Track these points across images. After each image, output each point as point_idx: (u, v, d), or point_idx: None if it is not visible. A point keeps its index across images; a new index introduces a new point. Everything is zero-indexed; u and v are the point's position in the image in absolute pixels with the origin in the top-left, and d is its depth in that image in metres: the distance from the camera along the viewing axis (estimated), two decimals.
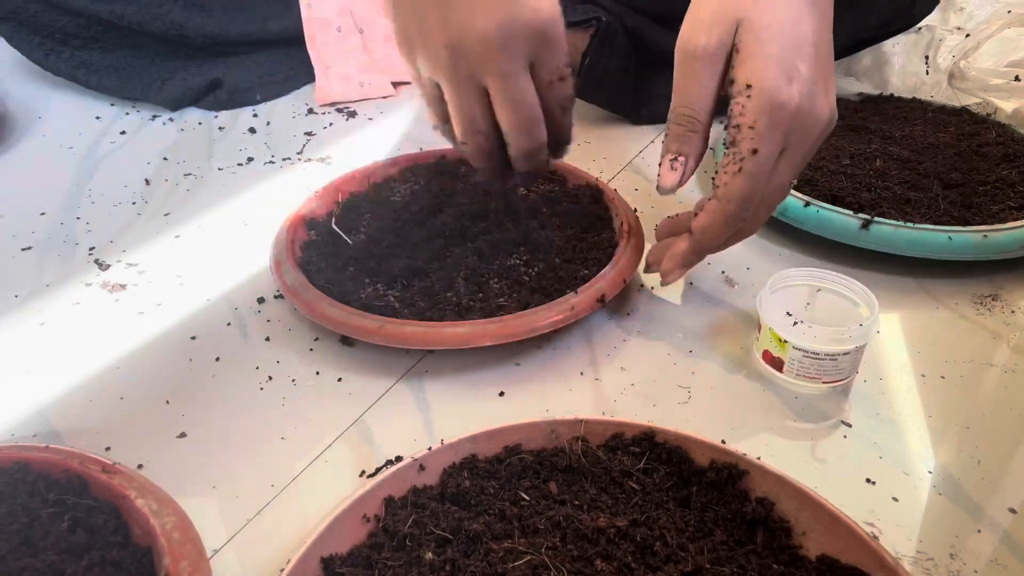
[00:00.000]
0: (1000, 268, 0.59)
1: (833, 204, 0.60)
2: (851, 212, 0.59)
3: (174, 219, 0.66)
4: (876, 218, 0.58)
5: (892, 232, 0.57)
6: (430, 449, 0.40)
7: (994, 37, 0.86)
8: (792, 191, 0.61)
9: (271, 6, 0.89)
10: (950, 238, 0.57)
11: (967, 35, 0.87)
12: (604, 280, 0.52)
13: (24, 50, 0.85)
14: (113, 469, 0.39)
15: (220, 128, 0.82)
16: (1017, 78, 0.82)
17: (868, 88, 0.89)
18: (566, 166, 0.66)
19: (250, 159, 0.76)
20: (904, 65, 0.89)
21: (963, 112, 0.76)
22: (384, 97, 0.89)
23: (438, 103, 0.50)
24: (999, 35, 0.86)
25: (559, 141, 0.53)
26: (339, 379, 0.50)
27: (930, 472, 0.43)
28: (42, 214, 0.67)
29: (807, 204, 0.60)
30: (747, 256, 0.61)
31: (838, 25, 0.79)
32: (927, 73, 0.85)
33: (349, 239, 0.57)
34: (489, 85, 0.47)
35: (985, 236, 0.57)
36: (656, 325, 0.54)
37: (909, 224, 0.57)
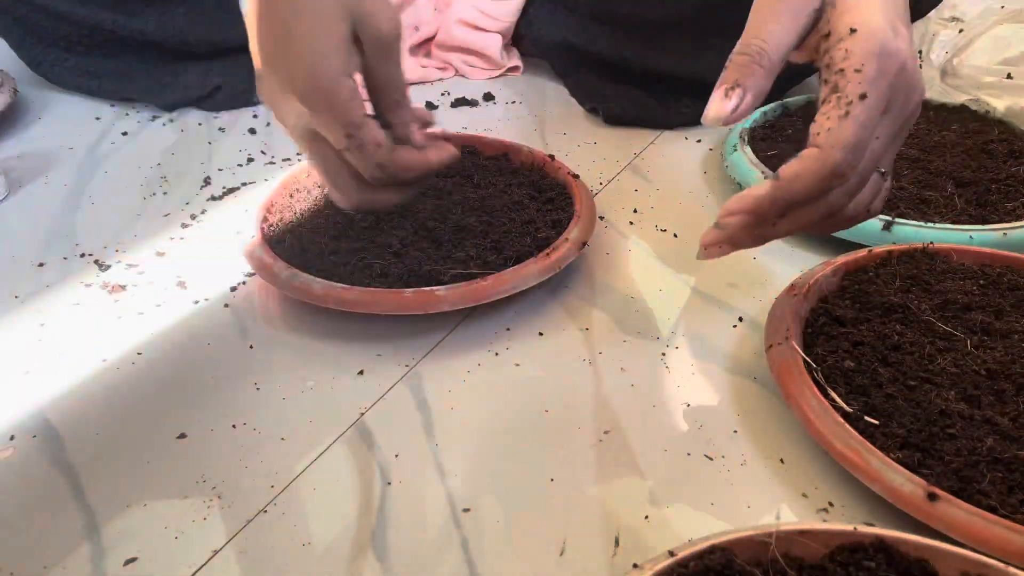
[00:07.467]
0: None
1: None
2: None
3: (174, 219, 0.66)
4: (897, 219, 0.58)
5: (914, 232, 0.57)
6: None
7: (986, 34, 0.86)
8: None
9: None
10: (971, 237, 0.57)
11: (960, 30, 0.87)
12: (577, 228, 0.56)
13: (27, 58, 0.86)
14: None
15: (220, 129, 0.82)
16: (1009, 75, 0.81)
17: None
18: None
19: (250, 159, 0.76)
20: None
21: (963, 109, 0.76)
22: None
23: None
24: (991, 32, 0.86)
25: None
26: (338, 380, 0.50)
27: None
28: (42, 214, 0.67)
29: None
30: (766, 260, 0.61)
31: None
32: (920, 68, 0.85)
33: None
34: None
35: (1005, 234, 0.57)
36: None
37: (930, 224, 0.57)
